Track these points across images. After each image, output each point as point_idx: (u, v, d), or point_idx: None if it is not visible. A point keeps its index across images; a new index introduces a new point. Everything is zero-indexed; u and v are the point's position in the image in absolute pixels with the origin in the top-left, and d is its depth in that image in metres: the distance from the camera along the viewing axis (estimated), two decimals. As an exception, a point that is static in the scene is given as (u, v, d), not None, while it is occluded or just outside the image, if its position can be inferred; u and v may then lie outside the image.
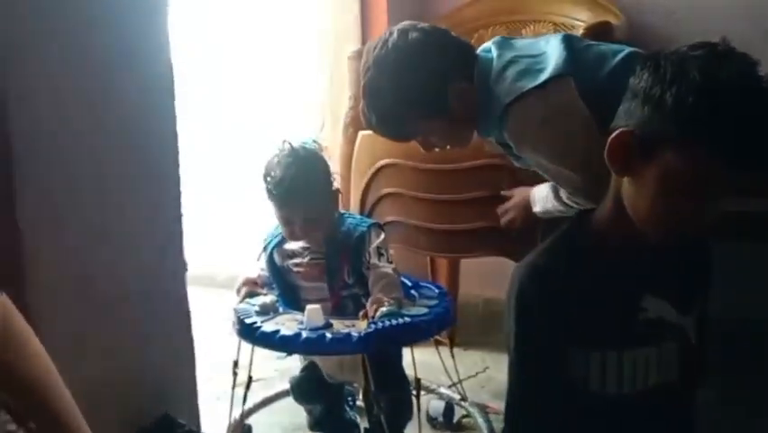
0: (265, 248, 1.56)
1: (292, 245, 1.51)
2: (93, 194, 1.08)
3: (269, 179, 1.45)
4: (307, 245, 1.50)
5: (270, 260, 1.54)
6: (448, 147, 1.37)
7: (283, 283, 1.53)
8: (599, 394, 0.88)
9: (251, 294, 1.50)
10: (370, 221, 1.57)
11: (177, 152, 1.26)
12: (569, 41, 1.16)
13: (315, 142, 1.50)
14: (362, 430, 1.59)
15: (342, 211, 1.60)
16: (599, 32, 1.65)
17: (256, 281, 1.54)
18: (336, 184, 1.53)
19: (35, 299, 0.95)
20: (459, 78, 1.19)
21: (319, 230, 1.47)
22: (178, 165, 1.27)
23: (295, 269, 1.51)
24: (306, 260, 1.51)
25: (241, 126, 2.88)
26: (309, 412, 1.64)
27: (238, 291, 1.52)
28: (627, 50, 1.15)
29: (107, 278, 1.12)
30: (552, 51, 1.14)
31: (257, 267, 1.57)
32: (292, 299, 1.51)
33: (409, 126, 1.24)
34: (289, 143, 1.46)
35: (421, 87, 1.18)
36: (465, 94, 1.19)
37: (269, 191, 1.45)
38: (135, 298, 1.19)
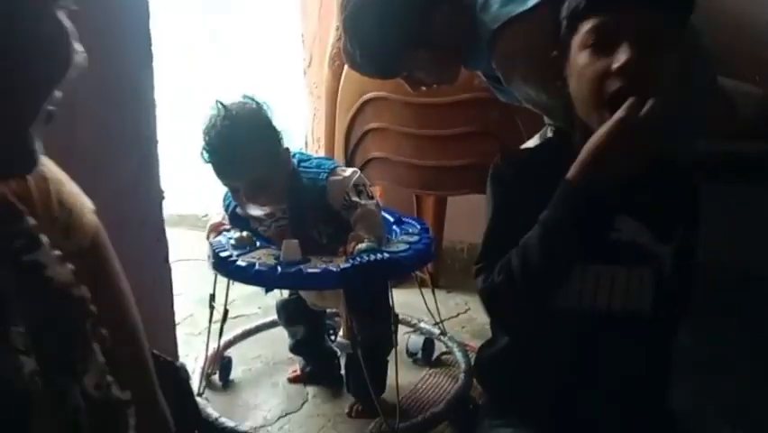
0: (226, 208, 1.51)
1: (254, 211, 1.45)
2: (64, 110, 1.02)
3: (204, 146, 1.36)
4: (270, 211, 1.43)
5: (234, 217, 1.50)
6: (435, 86, 1.31)
7: (255, 233, 1.48)
8: (560, 308, 0.86)
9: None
10: (330, 165, 1.48)
11: (152, 74, 1.21)
12: None
13: (253, 99, 1.39)
14: (341, 362, 1.59)
15: (296, 153, 1.49)
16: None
17: (223, 223, 1.51)
18: (285, 143, 1.42)
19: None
20: (444, 5, 1.14)
21: (268, 193, 1.39)
22: (153, 88, 1.22)
23: (264, 234, 1.48)
24: (271, 228, 1.47)
25: (227, 62, 2.79)
26: (292, 335, 1.65)
27: (208, 238, 1.48)
28: None
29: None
30: None
31: (221, 211, 1.53)
32: (268, 242, 1.47)
33: (393, 60, 1.19)
34: (222, 105, 1.35)
35: (405, 14, 1.13)
36: (451, 21, 1.14)
37: (205, 160, 1.37)
38: (111, 226, 1.14)
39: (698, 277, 0.92)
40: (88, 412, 0.48)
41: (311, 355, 1.66)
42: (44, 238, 0.50)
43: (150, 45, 1.21)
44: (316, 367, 1.66)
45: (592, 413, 0.86)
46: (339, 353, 1.61)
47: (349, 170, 1.46)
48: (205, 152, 1.36)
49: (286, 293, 1.64)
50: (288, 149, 1.43)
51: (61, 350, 0.48)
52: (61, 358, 0.47)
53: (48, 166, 0.50)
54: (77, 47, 0.47)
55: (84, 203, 0.59)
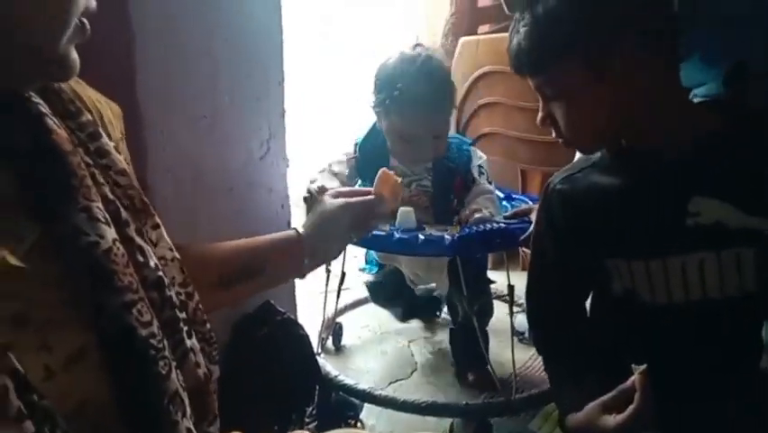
0: (357, 146, 1.50)
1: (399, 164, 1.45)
2: (205, 80, 1.09)
3: (401, 87, 1.31)
4: (410, 172, 1.44)
5: (364, 157, 1.48)
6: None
7: None
8: (653, 305, 0.83)
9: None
10: (469, 140, 1.53)
11: (281, 46, 1.26)
12: None
13: (441, 47, 1.45)
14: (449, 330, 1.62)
15: None
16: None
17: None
18: None
19: (155, 179, 0.99)
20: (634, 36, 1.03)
21: (442, 148, 1.40)
22: (282, 60, 1.27)
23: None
24: (406, 191, 1.42)
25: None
26: (394, 312, 1.68)
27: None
28: None
29: (216, 167, 1.15)
30: None
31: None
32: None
33: (550, 57, 1.05)
34: (425, 50, 1.32)
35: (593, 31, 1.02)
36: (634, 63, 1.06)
37: (399, 103, 1.32)
38: (240, 189, 1.22)
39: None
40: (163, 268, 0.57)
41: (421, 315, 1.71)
42: (100, 129, 0.59)
43: (281, 18, 1.26)
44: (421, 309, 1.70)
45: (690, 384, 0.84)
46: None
47: (482, 154, 1.52)
48: (400, 95, 1.31)
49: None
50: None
51: (134, 220, 0.57)
52: (135, 226, 0.57)
53: None
54: None
55: (107, 100, 0.67)
